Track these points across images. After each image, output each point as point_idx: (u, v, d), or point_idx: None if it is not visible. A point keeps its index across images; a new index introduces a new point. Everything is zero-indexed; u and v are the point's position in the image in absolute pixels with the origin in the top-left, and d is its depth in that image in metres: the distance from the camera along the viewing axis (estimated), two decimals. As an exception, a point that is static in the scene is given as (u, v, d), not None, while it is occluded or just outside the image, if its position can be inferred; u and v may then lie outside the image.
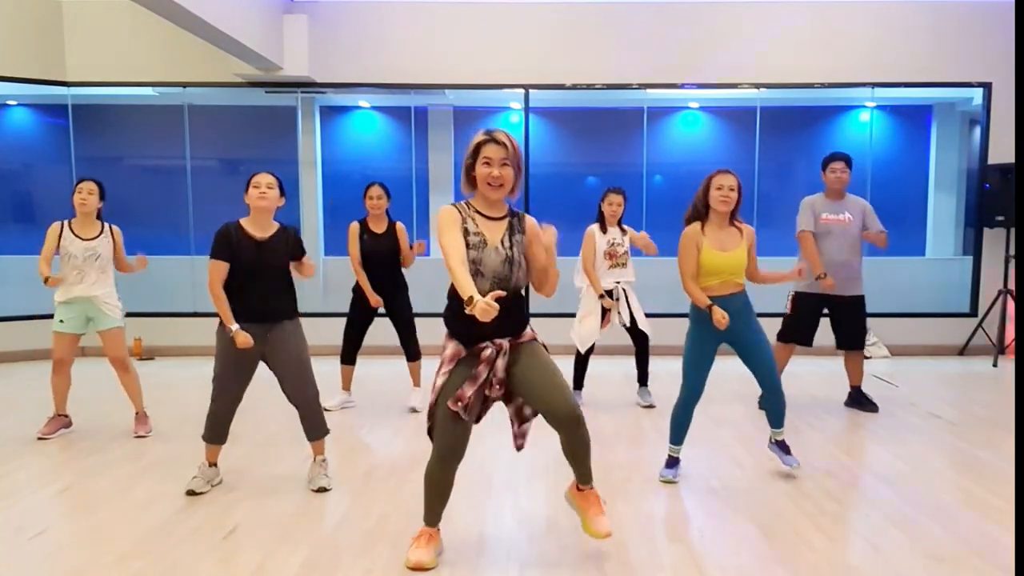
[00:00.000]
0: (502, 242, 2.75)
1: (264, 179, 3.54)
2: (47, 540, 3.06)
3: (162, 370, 6.45)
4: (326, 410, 5.05)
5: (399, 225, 5.09)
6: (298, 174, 7.55)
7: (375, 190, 5.02)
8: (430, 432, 2.82)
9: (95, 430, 4.62)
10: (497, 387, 2.74)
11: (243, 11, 5.90)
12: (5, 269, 7.16)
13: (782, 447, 3.83)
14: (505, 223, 2.79)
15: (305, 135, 7.64)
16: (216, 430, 3.61)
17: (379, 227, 5.03)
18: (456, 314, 2.70)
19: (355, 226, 5.04)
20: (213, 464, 3.68)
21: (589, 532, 2.86)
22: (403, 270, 5.12)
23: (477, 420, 2.83)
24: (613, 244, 5.09)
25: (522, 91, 7.23)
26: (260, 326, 3.52)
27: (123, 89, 7.29)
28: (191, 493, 3.53)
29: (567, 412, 2.71)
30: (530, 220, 2.87)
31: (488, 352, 2.71)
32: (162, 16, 5.18)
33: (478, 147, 2.72)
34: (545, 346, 2.87)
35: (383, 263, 5.01)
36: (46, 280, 4.30)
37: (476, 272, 2.70)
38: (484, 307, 2.43)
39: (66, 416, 4.57)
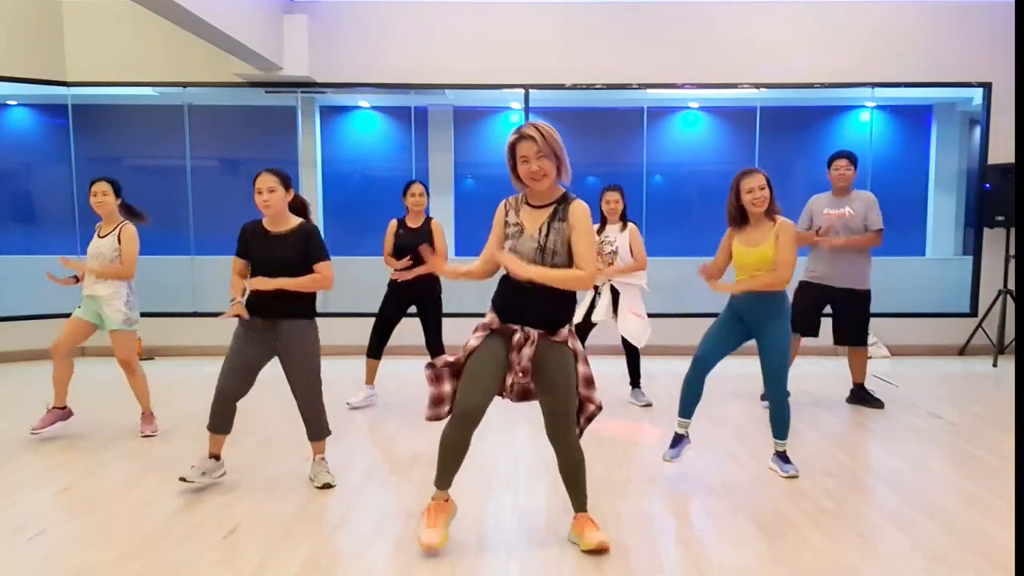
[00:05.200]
0: (540, 229, 2.81)
1: (265, 183, 3.51)
2: (47, 540, 3.06)
3: (162, 370, 6.44)
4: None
5: (435, 222, 5.14)
6: (298, 174, 7.54)
7: (416, 187, 5.11)
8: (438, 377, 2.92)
9: (95, 430, 4.62)
10: (521, 374, 2.79)
11: (243, 11, 5.90)
12: (5, 269, 7.16)
13: (782, 458, 3.83)
14: (549, 210, 2.84)
15: (305, 135, 7.64)
16: (215, 417, 3.58)
17: (415, 222, 5.11)
18: (498, 291, 2.90)
19: (393, 223, 5.18)
20: (213, 456, 3.65)
21: (584, 546, 2.89)
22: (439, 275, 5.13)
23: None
24: (602, 243, 5.09)
25: (522, 91, 7.23)
26: (268, 322, 3.53)
27: (123, 89, 7.30)
28: (182, 479, 3.54)
29: (559, 440, 2.89)
30: (576, 207, 2.83)
31: (517, 337, 2.80)
32: (162, 16, 5.18)
33: (512, 148, 2.81)
34: (576, 353, 2.89)
35: (414, 258, 5.00)
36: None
37: None
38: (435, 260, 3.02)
39: (64, 408, 4.54)
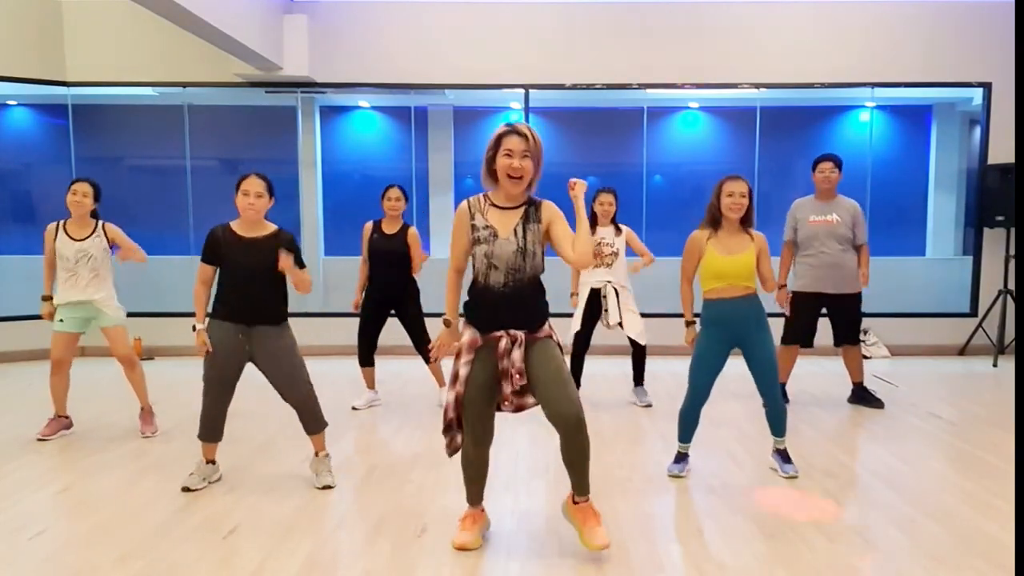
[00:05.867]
0: (515, 231, 2.77)
1: (253, 186, 3.51)
2: (47, 540, 3.06)
3: (162, 370, 6.44)
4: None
5: (411, 230, 5.05)
6: (298, 174, 7.55)
7: (393, 192, 5.02)
8: (449, 425, 2.85)
9: (95, 430, 4.62)
10: (518, 377, 2.74)
11: (243, 11, 5.90)
12: (5, 269, 7.16)
13: (782, 456, 3.82)
14: (520, 212, 2.81)
15: (305, 135, 7.64)
16: (208, 428, 3.61)
17: (391, 228, 5.03)
18: (474, 302, 2.82)
19: (368, 226, 5.08)
20: (210, 461, 3.68)
21: (586, 544, 2.86)
22: (413, 275, 5.09)
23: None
24: (600, 244, 5.10)
25: (522, 91, 7.24)
26: (243, 327, 3.51)
27: (123, 89, 7.30)
28: (186, 489, 3.55)
29: (568, 414, 2.74)
30: (547, 205, 2.85)
31: (503, 344, 2.75)
32: (162, 16, 5.18)
33: (499, 138, 2.75)
34: (560, 345, 2.88)
35: (389, 264, 4.98)
36: (46, 299, 4.44)
37: (489, 265, 2.76)
38: (444, 342, 2.88)
39: (66, 417, 4.55)
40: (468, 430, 2.86)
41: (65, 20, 7.08)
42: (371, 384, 5.23)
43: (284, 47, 6.82)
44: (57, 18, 7.05)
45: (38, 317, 6.54)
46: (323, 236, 7.91)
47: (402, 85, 7.22)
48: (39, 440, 4.40)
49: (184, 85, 7.23)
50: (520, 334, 2.77)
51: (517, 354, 2.75)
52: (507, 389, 2.76)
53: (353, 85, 7.25)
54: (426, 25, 7.08)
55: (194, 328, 3.54)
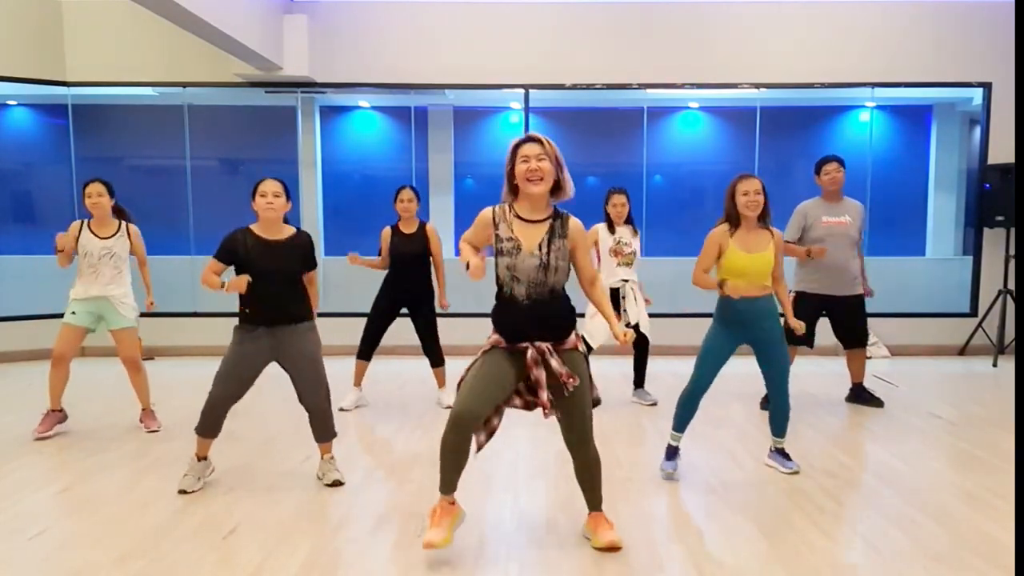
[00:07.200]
0: (540, 247, 2.76)
1: (271, 187, 3.53)
2: (47, 540, 3.06)
3: (162, 370, 6.44)
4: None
5: (429, 227, 5.08)
6: (298, 174, 7.55)
7: (406, 193, 5.03)
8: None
9: (95, 430, 4.62)
10: (572, 380, 2.76)
11: (243, 11, 5.90)
12: (5, 269, 7.16)
13: (782, 454, 3.84)
14: (546, 226, 2.79)
15: (305, 135, 7.64)
16: (208, 423, 3.58)
17: (409, 228, 5.05)
18: (500, 310, 2.82)
19: (387, 231, 5.06)
20: (203, 458, 3.67)
21: (595, 544, 2.91)
22: (432, 278, 5.08)
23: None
24: (619, 243, 5.11)
25: (522, 91, 7.24)
26: (272, 329, 3.53)
27: (123, 89, 7.30)
28: (182, 492, 3.54)
29: (573, 442, 2.86)
30: (574, 223, 2.84)
31: (531, 355, 2.76)
32: (162, 16, 5.18)
33: (515, 149, 2.77)
34: (587, 358, 2.92)
35: (410, 264, 4.99)
36: (61, 251, 4.36)
37: (512, 278, 2.76)
38: (476, 265, 2.69)
39: (60, 411, 4.55)
40: (453, 406, 2.78)
41: (65, 20, 7.08)
42: (358, 381, 5.19)
43: (284, 47, 6.82)
44: (57, 18, 7.05)
45: (38, 317, 6.56)
46: (323, 236, 7.91)
47: (402, 85, 7.22)
48: (37, 439, 4.40)
49: (184, 85, 7.23)
50: (546, 346, 2.78)
51: (555, 363, 2.75)
52: (544, 396, 2.77)
53: (353, 85, 7.25)
54: (426, 25, 7.09)
55: (223, 284, 3.44)
